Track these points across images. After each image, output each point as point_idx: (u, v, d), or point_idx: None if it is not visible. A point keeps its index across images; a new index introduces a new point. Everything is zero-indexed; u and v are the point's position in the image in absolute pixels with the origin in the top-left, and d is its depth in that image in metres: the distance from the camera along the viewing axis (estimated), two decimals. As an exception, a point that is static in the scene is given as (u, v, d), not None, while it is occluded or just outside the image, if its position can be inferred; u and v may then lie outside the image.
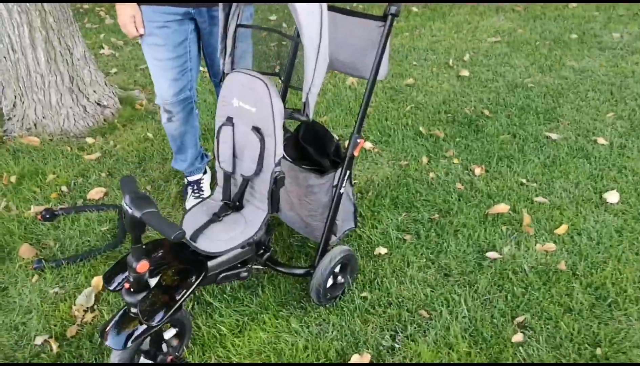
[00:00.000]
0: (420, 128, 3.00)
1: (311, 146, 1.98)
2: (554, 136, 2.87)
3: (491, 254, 2.08)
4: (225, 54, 1.68)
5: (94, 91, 3.07)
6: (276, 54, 1.74)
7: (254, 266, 1.89)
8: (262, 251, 1.85)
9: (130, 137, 2.98)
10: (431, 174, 2.59)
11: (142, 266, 1.43)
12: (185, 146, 2.35)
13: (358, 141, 1.78)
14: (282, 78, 1.86)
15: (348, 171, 1.83)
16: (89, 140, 2.95)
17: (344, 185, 1.83)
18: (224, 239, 1.62)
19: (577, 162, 2.63)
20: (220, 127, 1.68)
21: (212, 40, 2.09)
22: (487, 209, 2.33)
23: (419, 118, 3.14)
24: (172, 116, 2.20)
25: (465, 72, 3.73)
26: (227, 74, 1.69)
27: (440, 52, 4.14)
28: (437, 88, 3.53)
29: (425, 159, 2.71)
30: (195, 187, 2.44)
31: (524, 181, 2.51)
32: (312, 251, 2.14)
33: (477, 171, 2.60)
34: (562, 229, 2.19)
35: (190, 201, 2.42)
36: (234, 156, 1.70)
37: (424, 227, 2.25)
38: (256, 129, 1.59)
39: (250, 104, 1.58)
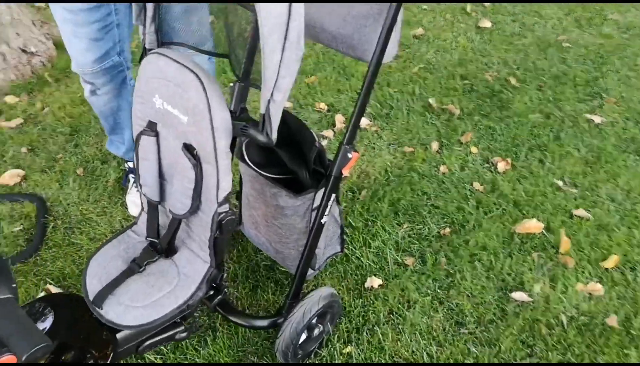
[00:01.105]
0: (430, 100, 2.40)
1: (283, 149, 1.40)
2: (597, 119, 2.29)
3: (518, 295, 1.59)
4: (144, 19, 1.06)
5: (17, 34, 2.39)
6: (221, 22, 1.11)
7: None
8: (211, 293, 1.34)
9: (64, 97, 2.34)
10: (442, 168, 2.04)
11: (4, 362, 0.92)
12: (120, 126, 1.76)
13: (349, 155, 1.22)
14: (236, 72, 1.22)
15: (334, 194, 1.28)
16: (10, 99, 2.32)
17: (327, 212, 1.29)
18: (144, 305, 1.10)
19: (627, 160, 2.08)
20: (139, 136, 1.10)
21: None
22: (513, 226, 1.80)
23: (428, 85, 2.52)
24: (96, 88, 1.60)
25: (486, 23, 3.06)
26: (149, 51, 1.08)
27: (458, -6, 3.43)
28: (451, 43, 2.88)
29: (435, 145, 2.14)
30: (137, 176, 1.87)
31: (560, 184, 1.97)
32: (284, 278, 1.63)
33: (501, 165, 2.04)
34: (611, 262, 1.68)
35: (132, 194, 1.87)
36: (161, 177, 1.13)
37: (431, 247, 1.73)
38: (189, 149, 1.01)
39: (179, 109, 0.99)
